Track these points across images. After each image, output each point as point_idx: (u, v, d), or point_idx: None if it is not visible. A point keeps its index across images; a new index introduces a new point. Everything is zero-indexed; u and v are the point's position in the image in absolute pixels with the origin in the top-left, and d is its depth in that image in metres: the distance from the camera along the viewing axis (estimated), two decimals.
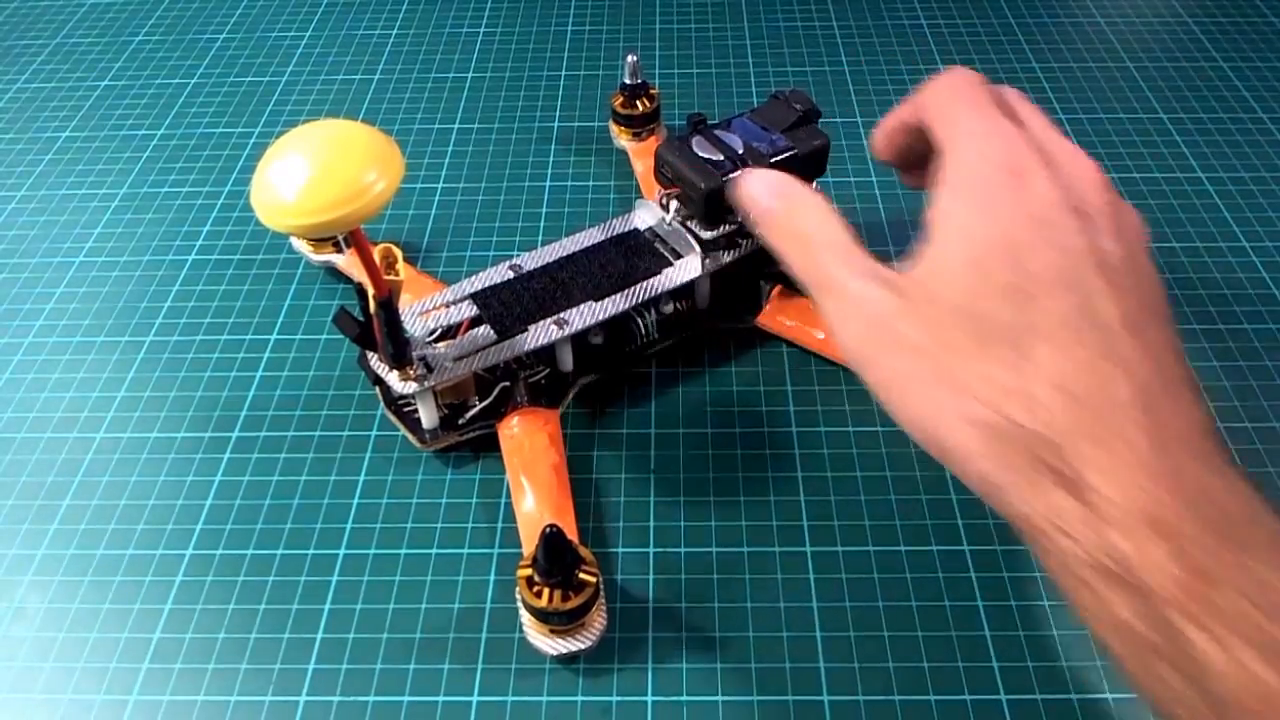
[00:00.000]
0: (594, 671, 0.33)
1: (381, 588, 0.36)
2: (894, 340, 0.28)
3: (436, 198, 0.53)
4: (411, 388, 0.37)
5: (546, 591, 0.32)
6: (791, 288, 0.44)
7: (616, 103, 0.53)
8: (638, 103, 0.53)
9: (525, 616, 0.33)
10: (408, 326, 0.37)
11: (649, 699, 0.32)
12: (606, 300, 0.40)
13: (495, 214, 0.52)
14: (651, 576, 0.36)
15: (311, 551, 0.37)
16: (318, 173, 0.28)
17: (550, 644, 0.33)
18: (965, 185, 0.29)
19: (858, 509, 0.38)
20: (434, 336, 0.39)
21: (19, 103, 0.62)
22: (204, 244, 0.50)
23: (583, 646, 0.33)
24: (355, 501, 0.38)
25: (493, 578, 0.36)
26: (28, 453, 0.41)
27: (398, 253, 0.34)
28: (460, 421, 0.39)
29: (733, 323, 0.44)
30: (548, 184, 0.53)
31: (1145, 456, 0.23)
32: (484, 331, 0.39)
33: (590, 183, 0.53)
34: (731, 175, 0.38)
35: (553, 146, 0.56)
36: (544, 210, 0.52)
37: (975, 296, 0.26)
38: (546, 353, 0.40)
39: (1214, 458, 0.24)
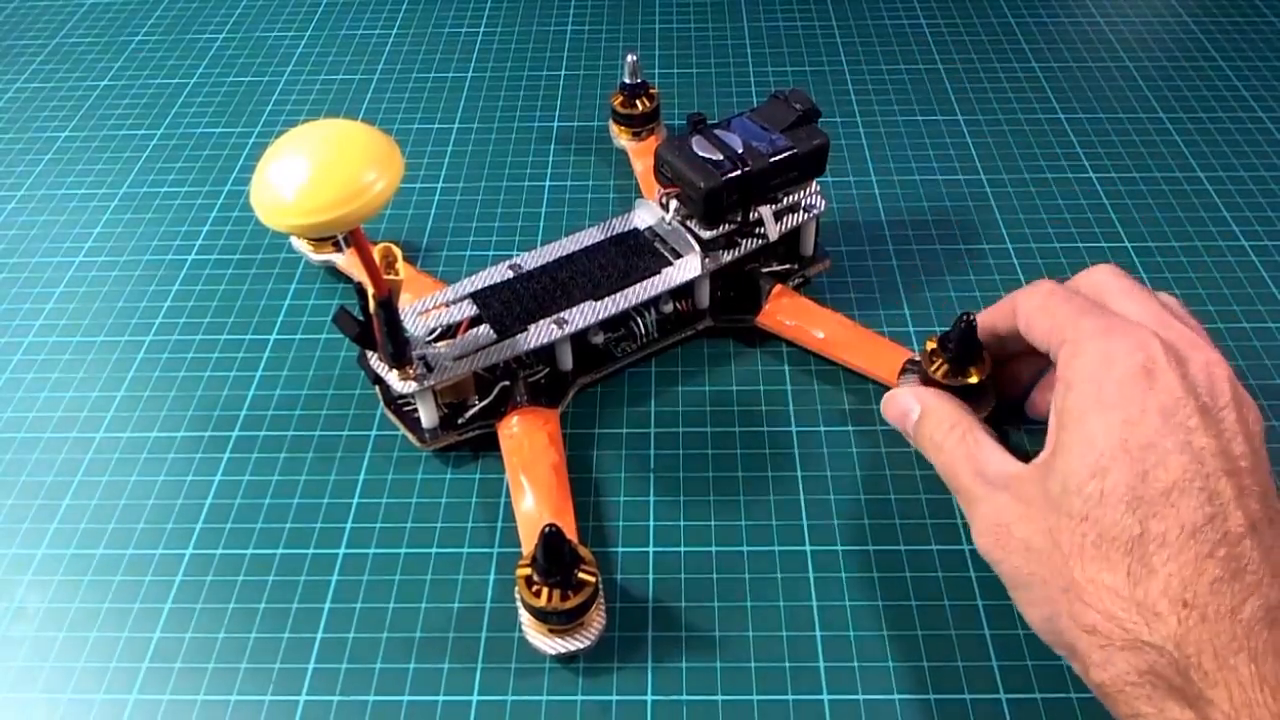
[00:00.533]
0: (594, 671, 0.33)
1: (381, 587, 0.36)
2: (1016, 543, 0.28)
3: (436, 197, 0.53)
4: (411, 387, 0.37)
5: (545, 591, 0.32)
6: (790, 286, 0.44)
7: (616, 102, 0.53)
8: (637, 102, 0.53)
9: (524, 616, 0.33)
10: (407, 326, 0.37)
11: (649, 699, 0.32)
12: (606, 300, 0.40)
13: (495, 214, 0.52)
14: (651, 576, 0.36)
15: (311, 551, 0.37)
16: (317, 172, 0.28)
17: (549, 643, 0.33)
18: (1088, 384, 0.28)
19: (858, 509, 0.38)
20: (434, 336, 0.39)
21: (18, 103, 0.62)
22: (204, 244, 0.50)
23: (581, 646, 0.33)
24: (355, 501, 0.38)
25: (492, 577, 0.36)
26: (28, 452, 0.41)
27: (397, 252, 0.34)
28: (460, 421, 0.39)
29: (733, 322, 0.44)
30: (547, 184, 0.53)
31: (1271, 676, 0.23)
32: (484, 331, 0.39)
33: (590, 182, 0.53)
34: (731, 175, 0.39)
35: (552, 146, 0.56)
36: (544, 210, 0.52)
37: (1097, 504, 0.26)
38: (546, 352, 0.40)
39: None
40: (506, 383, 0.40)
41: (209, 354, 0.44)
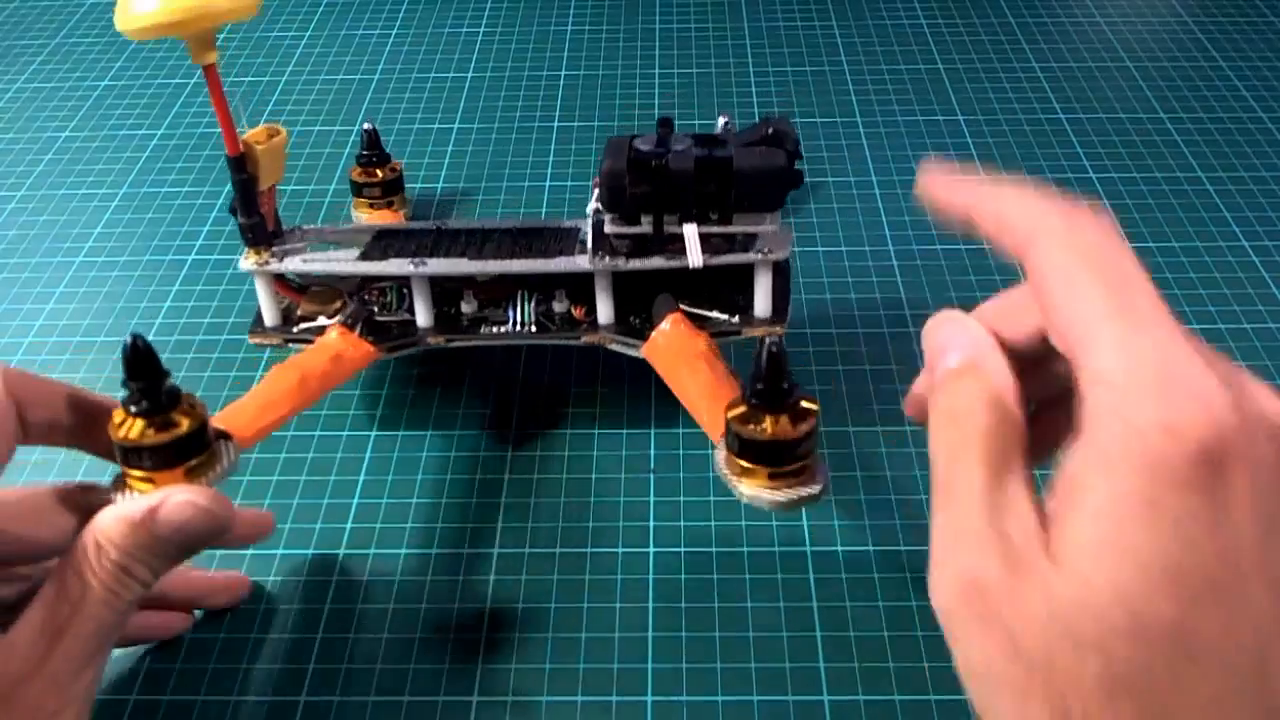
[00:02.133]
0: (594, 671, 0.33)
1: (381, 587, 0.36)
2: (991, 623, 0.20)
3: (436, 198, 0.53)
4: (246, 266, 0.38)
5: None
6: (692, 315, 0.38)
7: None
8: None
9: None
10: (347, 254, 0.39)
11: (649, 699, 0.32)
12: (475, 261, 0.38)
13: (495, 213, 0.52)
14: (651, 576, 0.36)
15: (311, 551, 0.37)
16: None
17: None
18: (1127, 466, 0.19)
19: (858, 509, 0.38)
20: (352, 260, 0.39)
21: (19, 103, 0.62)
22: (204, 244, 0.50)
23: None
24: (355, 501, 0.38)
25: (493, 577, 0.36)
26: (27, 452, 0.41)
27: (283, 132, 0.38)
28: (295, 328, 0.39)
29: (626, 347, 0.38)
30: (547, 184, 0.53)
31: None
32: (349, 253, 0.39)
33: (590, 183, 0.54)
34: (639, 162, 0.34)
35: (553, 146, 0.56)
36: (544, 210, 0.52)
37: (1114, 633, 0.19)
38: (409, 300, 0.39)
39: None
40: (347, 302, 0.39)
41: (209, 354, 0.44)
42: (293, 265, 0.39)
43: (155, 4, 0.31)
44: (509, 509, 0.38)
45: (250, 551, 0.37)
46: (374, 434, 0.41)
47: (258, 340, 0.40)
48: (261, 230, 0.38)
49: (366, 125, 0.48)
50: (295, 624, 0.35)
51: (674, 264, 0.37)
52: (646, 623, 0.34)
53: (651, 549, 0.37)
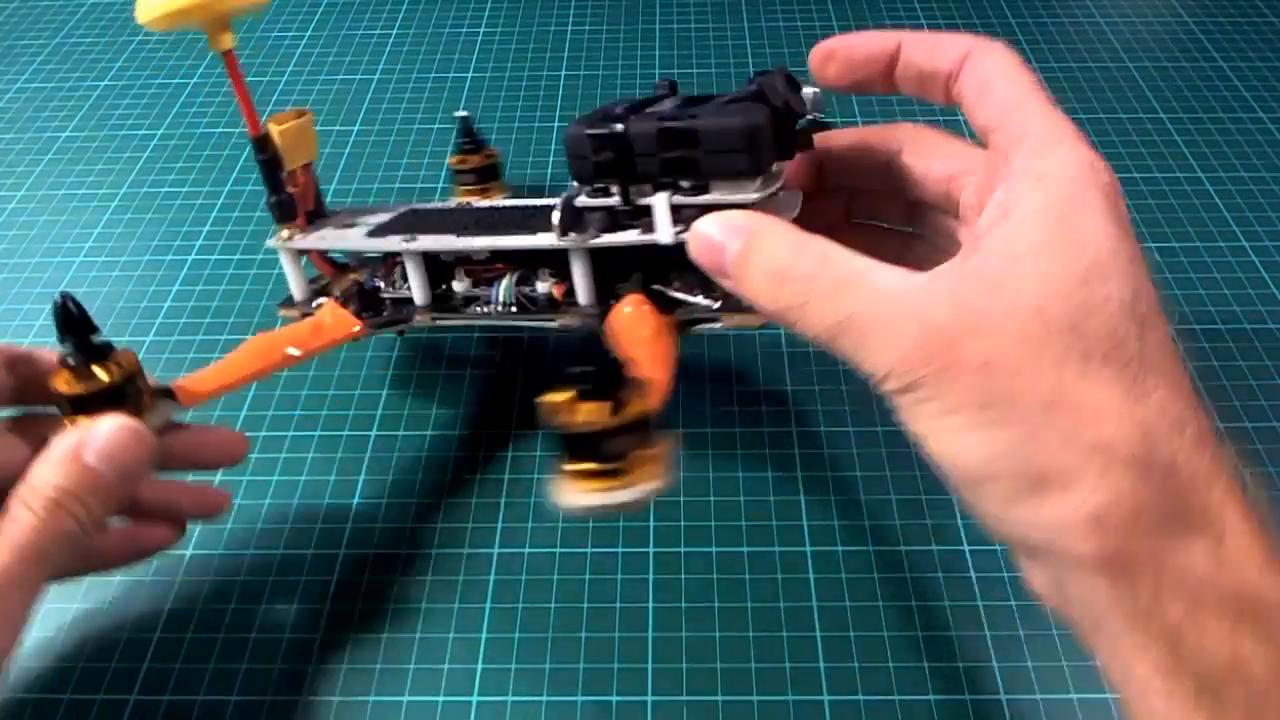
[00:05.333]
0: (594, 671, 0.33)
1: (381, 588, 0.36)
2: (969, 362, 0.22)
3: (436, 198, 0.53)
4: (271, 243, 0.39)
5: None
6: (658, 299, 0.34)
7: None
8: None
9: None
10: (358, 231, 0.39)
11: (649, 699, 0.32)
12: (462, 238, 0.37)
13: None
14: (651, 576, 0.36)
15: (312, 551, 0.37)
16: None
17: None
18: (1074, 185, 0.24)
19: (858, 509, 0.38)
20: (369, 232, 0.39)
21: (19, 103, 0.62)
22: (204, 244, 0.50)
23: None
24: (355, 502, 0.38)
25: (493, 577, 0.36)
26: None
27: (309, 116, 0.39)
28: (314, 302, 0.40)
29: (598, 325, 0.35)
30: (548, 184, 0.53)
31: (1255, 514, 0.22)
32: (359, 232, 0.40)
33: None
34: (597, 128, 0.31)
35: (553, 147, 0.56)
36: None
37: (1091, 315, 0.22)
38: (416, 279, 0.38)
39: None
40: (355, 276, 0.40)
41: (209, 354, 0.44)
42: (308, 242, 0.39)
43: None
44: (509, 509, 0.38)
45: (250, 551, 0.37)
46: (374, 434, 0.41)
47: (284, 313, 0.40)
48: (288, 208, 0.39)
49: (462, 113, 0.47)
50: (295, 624, 0.35)
51: (645, 239, 0.33)
52: (646, 623, 0.34)
53: (651, 549, 0.37)
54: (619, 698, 0.32)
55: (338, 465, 0.40)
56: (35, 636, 0.34)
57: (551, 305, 0.37)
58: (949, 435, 0.23)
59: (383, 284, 0.39)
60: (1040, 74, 0.66)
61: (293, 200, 0.39)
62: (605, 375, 0.26)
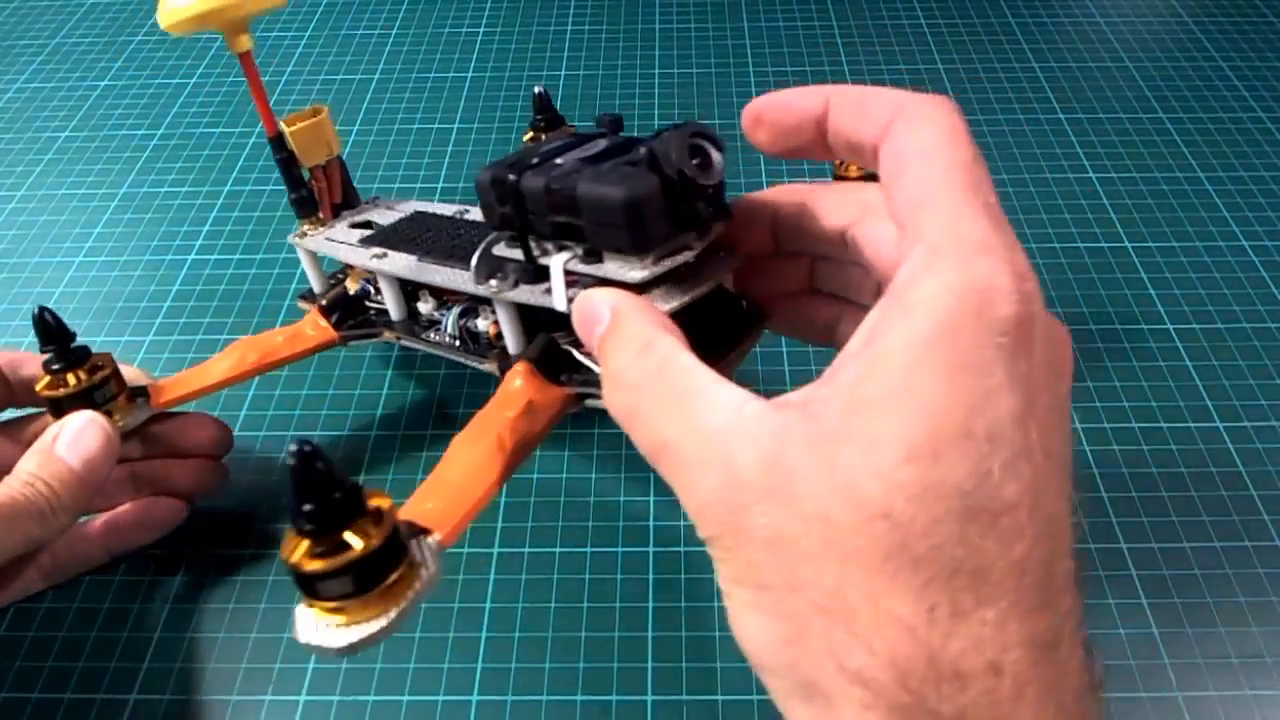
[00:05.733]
0: (594, 671, 0.33)
1: None
2: (755, 529, 0.19)
3: (436, 198, 0.53)
4: (290, 239, 0.40)
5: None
6: (545, 368, 0.30)
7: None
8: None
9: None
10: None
11: (649, 699, 0.32)
12: (420, 262, 0.36)
13: None
14: (651, 576, 0.36)
15: None
16: None
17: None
18: (936, 324, 0.18)
19: None
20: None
21: (18, 103, 0.62)
22: (204, 244, 0.50)
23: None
24: None
25: (492, 577, 0.36)
26: None
27: (324, 113, 0.40)
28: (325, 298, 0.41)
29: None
30: None
31: None
32: (356, 235, 0.40)
33: None
34: (502, 175, 0.27)
35: None
36: None
37: (909, 500, 0.18)
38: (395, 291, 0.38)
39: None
40: (344, 285, 0.40)
41: (209, 354, 0.44)
42: (314, 244, 0.40)
43: (186, 3, 0.34)
44: (509, 509, 0.38)
45: (249, 551, 0.37)
46: (374, 434, 0.41)
47: (302, 305, 0.41)
48: (307, 204, 0.40)
49: (537, 89, 0.45)
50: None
51: (542, 301, 0.30)
52: (646, 623, 0.34)
53: (651, 549, 0.37)
54: (619, 698, 0.32)
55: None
56: (35, 636, 0.34)
57: (489, 344, 0.35)
58: (735, 607, 0.20)
59: (373, 290, 0.39)
60: (1040, 74, 0.66)
61: (311, 197, 0.40)
62: (329, 512, 0.23)
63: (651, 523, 0.37)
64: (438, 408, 0.42)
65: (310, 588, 0.23)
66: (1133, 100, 0.59)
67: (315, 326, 0.39)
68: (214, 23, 0.35)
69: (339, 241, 0.40)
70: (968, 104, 0.59)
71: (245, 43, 0.37)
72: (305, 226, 0.41)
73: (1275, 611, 0.34)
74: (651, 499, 0.38)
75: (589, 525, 0.37)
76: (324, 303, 0.39)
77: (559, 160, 0.27)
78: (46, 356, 0.33)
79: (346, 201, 0.42)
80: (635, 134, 0.30)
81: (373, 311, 0.39)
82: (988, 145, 0.55)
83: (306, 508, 0.23)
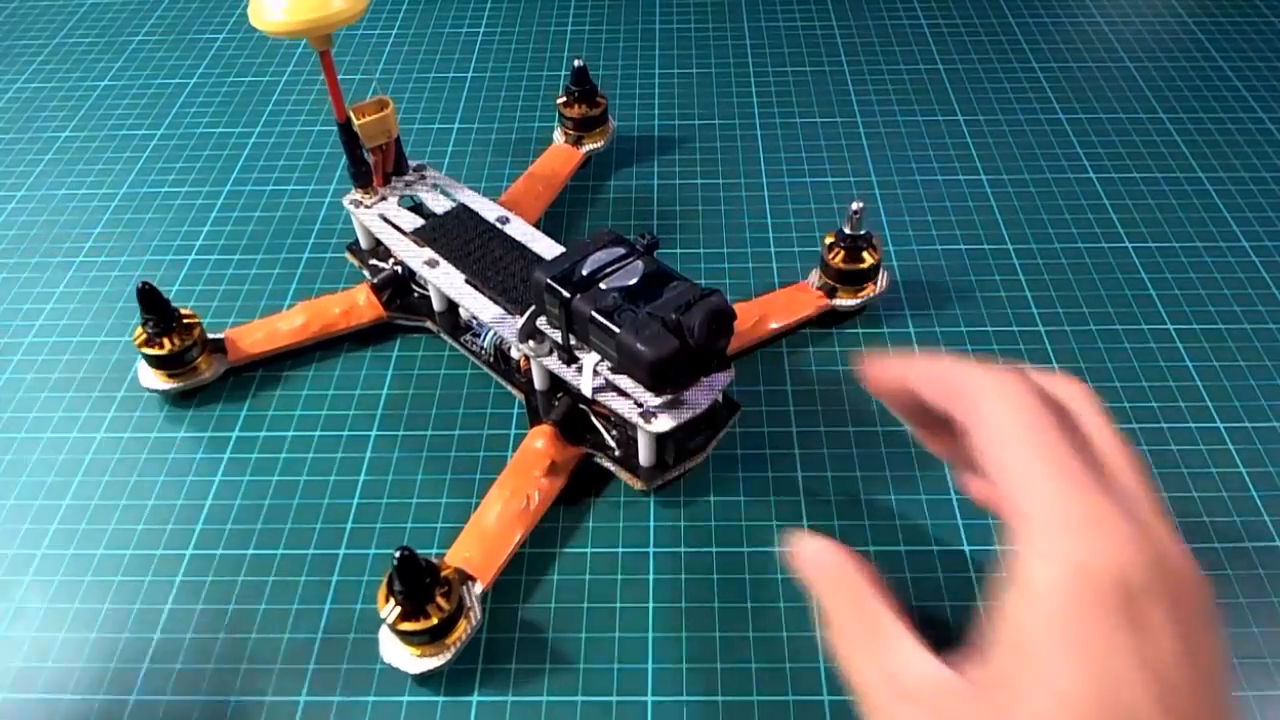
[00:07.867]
0: (594, 672, 0.33)
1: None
2: None
3: None
4: (347, 201, 0.45)
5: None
6: (565, 431, 0.38)
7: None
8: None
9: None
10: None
11: (649, 699, 0.32)
12: (473, 291, 0.40)
13: None
14: (651, 577, 0.36)
15: (311, 551, 0.37)
16: None
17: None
18: (1049, 603, 0.20)
19: (858, 509, 0.38)
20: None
21: (19, 103, 0.62)
22: (204, 244, 0.50)
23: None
24: (355, 501, 0.38)
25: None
26: (28, 453, 0.41)
27: (389, 104, 0.43)
28: (370, 261, 0.46)
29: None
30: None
31: None
32: (412, 219, 0.44)
33: (590, 183, 0.54)
34: (554, 287, 0.35)
35: None
36: (543, 211, 0.52)
37: None
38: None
39: None
40: (396, 268, 0.44)
41: None
42: (368, 219, 0.44)
43: (283, 15, 0.37)
44: None
45: (250, 552, 0.37)
46: (374, 434, 0.41)
47: (350, 257, 0.47)
48: (364, 176, 0.45)
49: (577, 61, 0.52)
50: (295, 624, 0.35)
51: (572, 380, 0.36)
52: (646, 623, 0.34)
53: (651, 549, 0.37)
54: (619, 698, 0.32)
55: (338, 465, 0.40)
56: (36, 637, 0.34)
57: (518, 370, 0.41)
58: None
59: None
60: (1040, 74, 0.66)
61: (368, 169, 0.45)
62: (417, 592, 0.31)
63: (652, 523, 0.37)
64: (438, 408, 0.42)
65: (401, 635, 0.32)
66: (1133, 100, 0.59)
67: (368, 299, 0.44)
68: (306, 34, 0.38)
69: (393, 225, 0.43)
70: (967, 104, 0.59)
71: (326, 44, 0.40)
72: (358, 194, 0.45)
73: (1275, 612, 0.34)
74: (651, 500, 0.38)
75: (589, 525, 0.37)
76: (375, 281, 0.44)
77: (603, 286, 0.35)
78: (149, 322, 0.40)
79: (397, 169, 0.46)
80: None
81: (417, 295, 0.44)
82: (988, 145, 0.56)
83: (400, 589, 0.31)
